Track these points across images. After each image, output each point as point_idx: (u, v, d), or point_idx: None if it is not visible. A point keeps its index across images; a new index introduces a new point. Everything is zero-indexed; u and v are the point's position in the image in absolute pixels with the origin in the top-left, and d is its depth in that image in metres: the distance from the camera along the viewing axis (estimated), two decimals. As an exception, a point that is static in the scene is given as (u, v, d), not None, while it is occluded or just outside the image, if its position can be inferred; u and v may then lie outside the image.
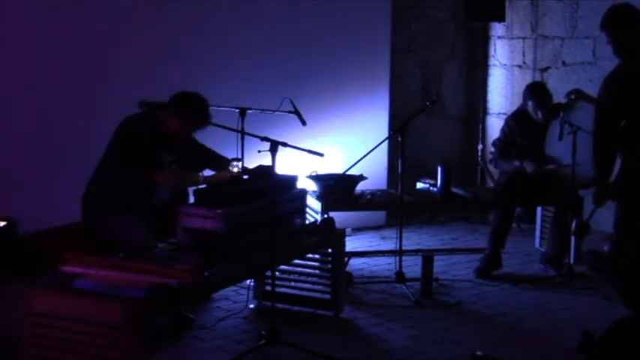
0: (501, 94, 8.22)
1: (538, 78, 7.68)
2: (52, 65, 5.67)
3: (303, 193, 5.04)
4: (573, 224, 5.74)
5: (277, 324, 4.38)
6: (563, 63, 7.60)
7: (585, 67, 7.38)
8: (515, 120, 6.21)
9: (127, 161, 4.71)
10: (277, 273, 4.74)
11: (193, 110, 4.77)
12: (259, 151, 4.39)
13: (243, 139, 4.70)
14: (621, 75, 4.54)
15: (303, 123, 5.07)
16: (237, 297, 5.33)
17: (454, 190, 6.16)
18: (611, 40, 4.65)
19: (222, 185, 4.66)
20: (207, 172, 4.92)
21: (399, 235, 5.58)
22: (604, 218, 5.80)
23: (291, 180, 4.98)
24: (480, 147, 8.06)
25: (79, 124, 5.73)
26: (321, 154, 4.65)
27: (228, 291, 5.32)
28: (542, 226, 6.60)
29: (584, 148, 5.49)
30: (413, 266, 5.86)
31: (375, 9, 7.22)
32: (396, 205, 5.82)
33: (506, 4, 7.80)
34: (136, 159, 4.68)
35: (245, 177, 4.80)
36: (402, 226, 5.62)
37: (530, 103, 6.13)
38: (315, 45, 6.86)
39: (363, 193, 6.08)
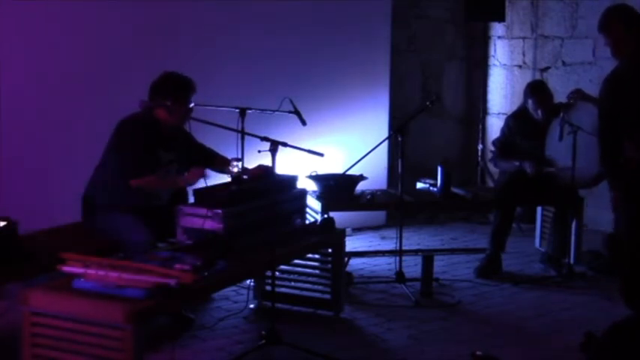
0: (501, 94, 8.22)
1: (538, 78, 7.67)
2: (51, 65, 5.67)
3: (303, 193, 5.04)
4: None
5: (277, 324, 4.38)
6: (563, 63, 7.60)
7: (585, 67, 7.37)
8: (516, 120, 6.21)
9: (122, 162, 4.71)
10: (277, 273, 4.74)
11: (171, 87, 4.76)
12: (259, 151, 4.39)
13: (243, 139, 4.69)
14: (622, 75, 4.53)
15: (303, 123, 5.05)
16: (237, 297, 5.33)
17: (454, 190, 6.15)
18: (609, 42, 4.65)
19: (223, 185, 4.66)
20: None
21: (399, 235, 5.58)
22: (605, 218, 5.80)
23: (291, 180, 4.98)
24: (480, 147, 8.06)
25: (80, 123, 5.73)
26: (321, 154, 4.65)
27: (228, 291, 5.32)
28: (542, 226, 6.60)
29: (584, 148, 5.49)
30: (413, 266, 5.86)
31: (375, 9, 7.21)
32: (396, 205, 5.82)
33: (506, 4, 7.79)
34: (129, 161, 4.68)
35: (244, 177, 4.79)
36: (402, 226, 5.62)
37: (530, 102, 6.13)
38: (315, 45, 6.85)
39: (363, 193, 6.07)
